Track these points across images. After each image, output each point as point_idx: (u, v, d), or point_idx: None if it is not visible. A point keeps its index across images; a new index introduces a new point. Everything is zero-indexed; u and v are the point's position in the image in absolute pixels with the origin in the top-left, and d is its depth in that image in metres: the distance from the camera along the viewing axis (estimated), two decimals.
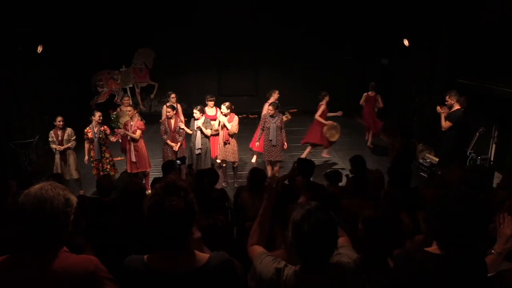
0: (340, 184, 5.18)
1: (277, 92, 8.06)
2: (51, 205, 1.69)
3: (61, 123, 6.85)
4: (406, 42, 9.82)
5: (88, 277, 1.72)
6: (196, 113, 7.06)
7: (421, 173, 7.95)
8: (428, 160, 7.97)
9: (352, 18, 12.05)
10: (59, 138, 6.87)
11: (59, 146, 6.84)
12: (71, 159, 7.01)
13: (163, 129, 7.15)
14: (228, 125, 7.08)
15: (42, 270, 1.70)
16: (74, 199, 1.80)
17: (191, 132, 7.14)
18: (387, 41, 11.39)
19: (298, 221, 1.74)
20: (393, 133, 8.40)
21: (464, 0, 7.84)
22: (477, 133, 7.02)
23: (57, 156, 6.91)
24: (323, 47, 12.52)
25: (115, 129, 7.48)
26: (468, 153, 7.10)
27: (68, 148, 6.95)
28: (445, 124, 6.47)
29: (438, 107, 6.67)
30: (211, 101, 7.63)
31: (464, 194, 1.80)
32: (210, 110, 7.60)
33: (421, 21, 9.18)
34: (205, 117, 7.21)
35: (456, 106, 6.47)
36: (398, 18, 10.16)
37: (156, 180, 5.36)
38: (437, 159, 7.49)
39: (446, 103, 6.57)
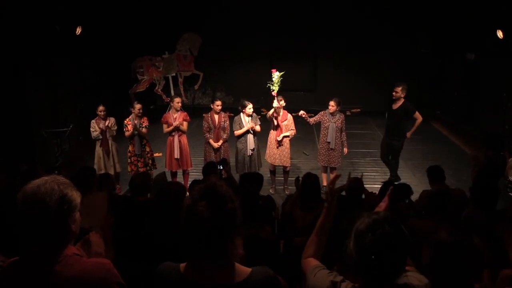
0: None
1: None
2: (42, 202, 1.70)
3: (103, 112, 7.17)
4: (500, 34, 9.35)
5: (99, 283, 1.77)
6: (250, 107, 6.98)
7: (510, 193, 7.50)
8: None
9: (431, 2, 11.58)
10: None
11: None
12: (114, 150, 7.32)
13: (206, 125, 7.15)
14: (287, 134, 7.11)
15: (46, 277, 1.73)
16: (74, 195, 1.79)
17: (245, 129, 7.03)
18: (475, 32, 10.87)
19: (361, 231, 1.72)
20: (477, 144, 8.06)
21: None
22: None
23: (99, 148, 7.20)
24: (394, 37, 12.24)
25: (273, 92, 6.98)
26: None
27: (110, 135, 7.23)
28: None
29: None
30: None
31: None
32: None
33: None
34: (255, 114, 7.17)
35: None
36: (491, 3, 9.66)
37: (195, 182, 5.47)
38: None
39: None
